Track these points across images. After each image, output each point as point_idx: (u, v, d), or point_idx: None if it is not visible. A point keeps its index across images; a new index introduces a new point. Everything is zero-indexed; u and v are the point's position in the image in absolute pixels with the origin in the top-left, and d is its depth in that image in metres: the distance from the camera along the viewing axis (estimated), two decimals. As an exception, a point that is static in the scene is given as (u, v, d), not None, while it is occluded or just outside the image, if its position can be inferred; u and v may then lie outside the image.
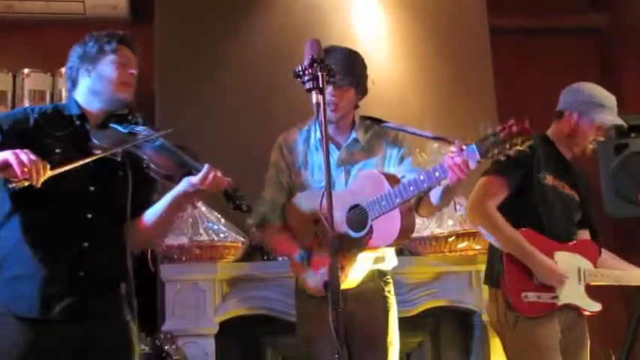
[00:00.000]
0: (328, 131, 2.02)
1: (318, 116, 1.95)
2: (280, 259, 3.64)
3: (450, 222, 3.71)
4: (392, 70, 4.27)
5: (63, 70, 2.47)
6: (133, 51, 2.32)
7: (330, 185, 1.94)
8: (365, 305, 2.61)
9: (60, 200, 2.11)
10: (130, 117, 2.27)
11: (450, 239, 3.68)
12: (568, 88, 2.92)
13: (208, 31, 4.15)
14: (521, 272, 2.69)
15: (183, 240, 3.57)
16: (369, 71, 2.76)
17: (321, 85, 1.96)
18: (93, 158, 2.10)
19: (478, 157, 2.18)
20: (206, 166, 2.13)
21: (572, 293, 2.75)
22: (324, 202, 1.90)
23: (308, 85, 1.98)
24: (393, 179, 2.48)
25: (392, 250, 2.75)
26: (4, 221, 2.16)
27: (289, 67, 2.04)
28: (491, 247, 2.84)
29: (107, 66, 2.25)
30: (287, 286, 3.28)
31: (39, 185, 1.93)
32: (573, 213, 2.88)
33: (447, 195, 2.48)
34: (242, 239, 3.67)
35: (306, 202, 2.68)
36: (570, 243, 2.82)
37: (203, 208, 3.65)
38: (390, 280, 2.75)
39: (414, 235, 3.66)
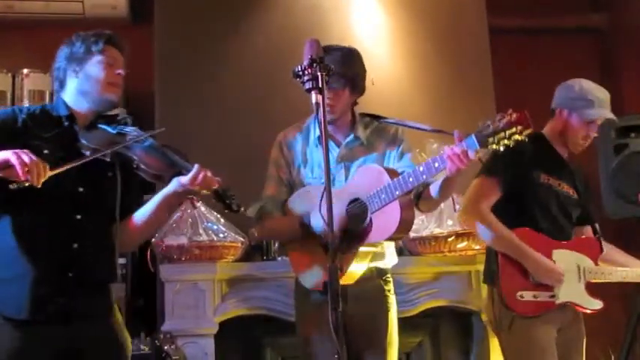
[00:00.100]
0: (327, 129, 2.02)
1: (317, 116, 1.95)
2: (280, 259, 3.65)
3: (450, 222, 3.71)
4: (392, 70, 4.27)
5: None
6: (120, 51, 2.29)
7: (329, 185, 1.93)
8: (365, 305, 2.60)
9: (49, 201, 2.09)
10: (118, 117, 2.26)
11: (449, 239, 3.69)
12: (560, 86, 2.92)
13: (208, 31, 4.15)
14: (517, 271, 2.69)
15: (183, 240, 3.57)
16: (368, 71, 2.75)
17: (320, 85, 1.96)
18: (91, 158, 2.09)
19: (477, 146, 2.18)
20: (196, 166, 2.12)
21: (572, 291, 2.73)
22: (324, 202, 1.90)
23: (307, 85, 1.98)
24: (392, 173, 2.48)
25: (392, 248, 2.75)
26: None
27: (289, 67, 2.04)
28: (489, 246, 2.84)
29: (94, 66, 2.23)
30: (287, 286, 3.29)
31: (39, 186, 1.92)
32: (571, 211, 2.87)
33: (447, 187, 2.47)
34: (241, 239, 3.67)
35: (300, 202, 2.67)
36: (569, 241, 2.81)
37: (202, 208, 3.65)
38: (390, 279, 2.74)
39: (414, 235, 3.69)
